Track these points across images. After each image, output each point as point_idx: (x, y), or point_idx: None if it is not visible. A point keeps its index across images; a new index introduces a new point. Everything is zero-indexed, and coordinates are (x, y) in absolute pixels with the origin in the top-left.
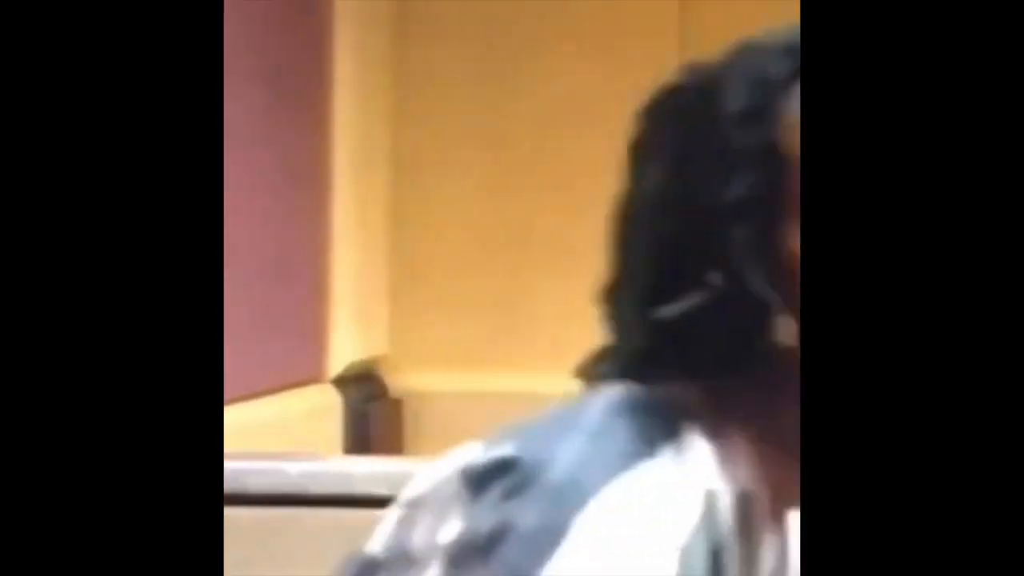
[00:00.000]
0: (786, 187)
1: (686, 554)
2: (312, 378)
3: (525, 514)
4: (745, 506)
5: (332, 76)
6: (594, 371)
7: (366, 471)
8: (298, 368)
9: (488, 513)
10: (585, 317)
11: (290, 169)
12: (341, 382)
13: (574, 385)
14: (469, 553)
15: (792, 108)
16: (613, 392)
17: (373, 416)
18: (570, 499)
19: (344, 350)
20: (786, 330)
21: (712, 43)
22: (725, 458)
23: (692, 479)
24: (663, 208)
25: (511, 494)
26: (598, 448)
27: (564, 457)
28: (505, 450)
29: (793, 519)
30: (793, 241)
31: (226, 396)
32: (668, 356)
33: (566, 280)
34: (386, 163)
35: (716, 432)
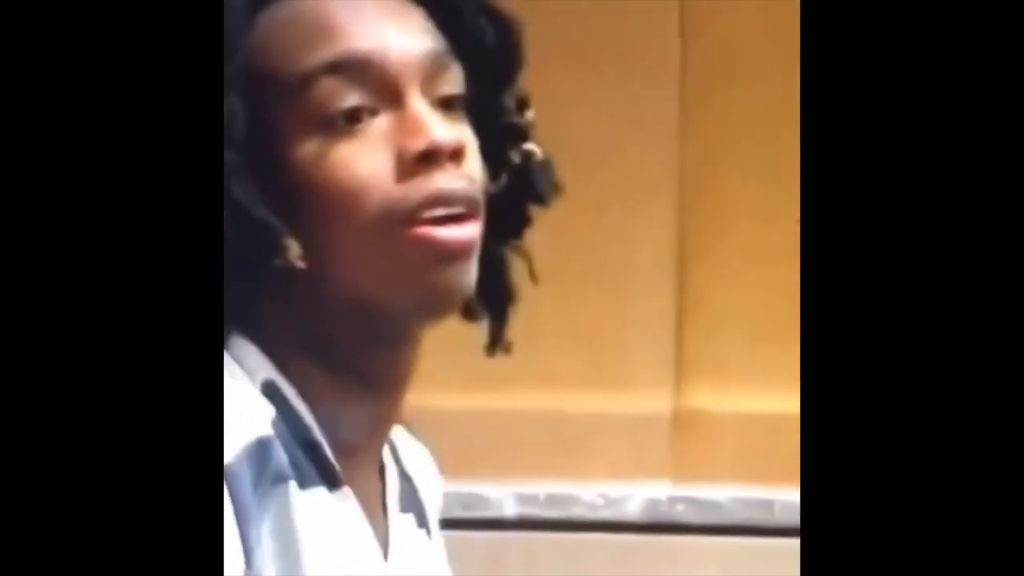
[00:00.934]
0: (271, 117)
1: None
2: None
3: None
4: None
5: None
6: None
7: None
8: None
9: None
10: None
11: None
12: None
13: None
14: None
15: (255, 30)
16: None
17: None
18: None
19: None
20: (294, 251)
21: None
22: (271, 354)
23: (247, 372)
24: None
25: None
26: None
27: None
28: None
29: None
30: (293, 165)
31: None
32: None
33: None
34: None
35: (262, 340)
